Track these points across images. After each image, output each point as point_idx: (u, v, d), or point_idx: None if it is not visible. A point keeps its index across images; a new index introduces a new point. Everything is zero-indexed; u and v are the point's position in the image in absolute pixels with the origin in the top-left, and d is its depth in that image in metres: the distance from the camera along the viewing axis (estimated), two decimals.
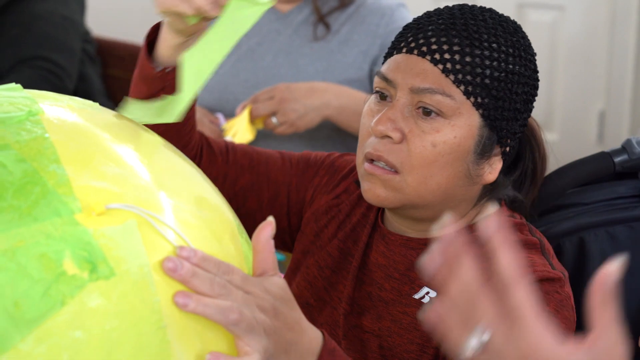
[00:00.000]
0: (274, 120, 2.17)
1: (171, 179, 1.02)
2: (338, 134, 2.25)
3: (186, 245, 0.95)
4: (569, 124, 4.08)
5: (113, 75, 2.91)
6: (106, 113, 1.10)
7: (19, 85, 1.06)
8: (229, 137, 2.13)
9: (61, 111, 1.04)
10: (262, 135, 2.22)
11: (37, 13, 2.60)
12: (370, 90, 2.26)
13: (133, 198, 0.95)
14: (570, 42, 4.02)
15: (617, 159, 1.53)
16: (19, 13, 2.54)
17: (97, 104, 1.12)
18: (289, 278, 1.46)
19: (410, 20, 2.29)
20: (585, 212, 1.54)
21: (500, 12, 1.35)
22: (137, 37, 3.82)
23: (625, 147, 1.54)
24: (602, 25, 4.00)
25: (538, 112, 1.39)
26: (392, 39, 2.28)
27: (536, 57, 1.35)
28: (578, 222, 1.54)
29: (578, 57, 4.02)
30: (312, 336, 1.03)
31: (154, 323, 0.90)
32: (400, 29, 2.28)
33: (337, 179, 1.46)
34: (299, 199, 1.46)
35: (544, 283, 1.25)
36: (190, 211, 0.99)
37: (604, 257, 1.53)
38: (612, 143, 4.11)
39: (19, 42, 2.44)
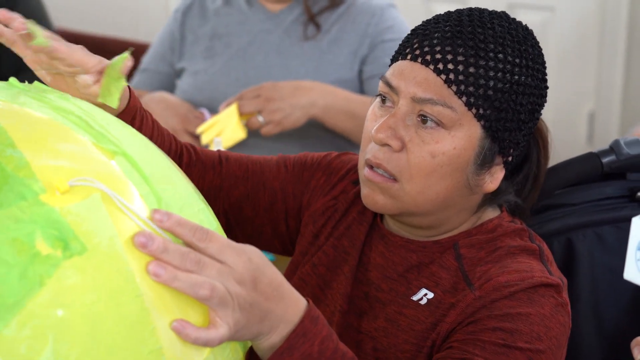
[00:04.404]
0: (259, 119, 2.17)
1: (129, 148, 1.03)
2: (327, 134, 2.24)
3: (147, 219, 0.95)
4: (558, 124, 4.08)
5: None
6: (51, 93, 1.10)
7: None
8: (218, 139, 2.10)
9: (4, 96, 1.04)
10: (252, 134, 2.21)
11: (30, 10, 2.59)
12: (360, 90, 2.27)
13: (92, 172, 0.96)
14: (560, 43, 4.02)
15: (605, 160, 1.53)
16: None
17: (41, 85, 1.12)
18: (287, 279, 1.45)
19: (400, 20, 2.31)
20: (573, 213, 1.54)
21: None
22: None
23: (613, 148, 1.54)
24: (592, 26, 4.00)
25: None
26: (382, 38, 2.30)
27: (546, 66, 1.32)
28: (566, 223, 1.54)
29: (568, 58, 4.03)
30: (291, 304, 1.04)
31: (130, 292, 0.91)
32: (389, 29, 2.29)
33: (334, 181, 1.45)
34: (296, 203, 1.45)
35: (541, 288, 1.25)
36: (154, 180, 1.00)
37: (591, 258, 1.53)
38: (602, 144, 4.11)
39: None
